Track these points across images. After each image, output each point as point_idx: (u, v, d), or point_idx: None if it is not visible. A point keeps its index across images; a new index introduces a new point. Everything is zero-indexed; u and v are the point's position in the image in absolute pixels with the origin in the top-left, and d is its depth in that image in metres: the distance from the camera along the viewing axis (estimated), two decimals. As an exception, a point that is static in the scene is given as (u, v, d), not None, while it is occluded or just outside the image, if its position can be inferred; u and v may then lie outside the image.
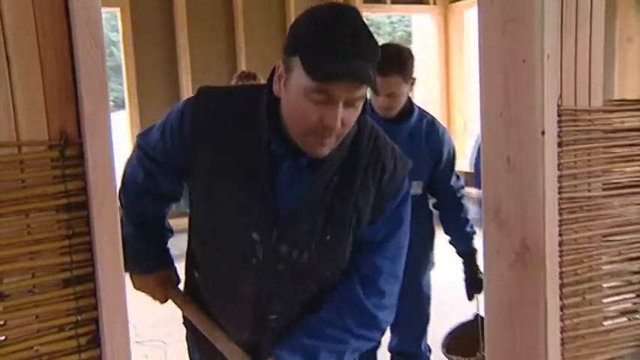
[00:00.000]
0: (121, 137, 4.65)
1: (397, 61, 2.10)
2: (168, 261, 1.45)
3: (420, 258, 2.31)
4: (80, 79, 0.92)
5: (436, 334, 2.50)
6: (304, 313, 1.24)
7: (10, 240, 0.92)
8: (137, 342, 3.55)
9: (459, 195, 2.27)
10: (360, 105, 1.11)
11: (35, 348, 0.94)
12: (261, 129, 1.17)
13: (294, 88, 1.08)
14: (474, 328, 2.25)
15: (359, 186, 1.19)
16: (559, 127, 1.29)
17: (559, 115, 1.28)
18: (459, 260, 2.34)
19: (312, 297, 1.24)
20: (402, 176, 1.25)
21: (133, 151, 1.37)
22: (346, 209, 1.19)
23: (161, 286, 1.43)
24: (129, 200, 1.38)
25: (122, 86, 5.15)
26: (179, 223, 1.56)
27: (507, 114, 1.29)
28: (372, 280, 1.22)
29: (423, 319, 2.42)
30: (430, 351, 2.51)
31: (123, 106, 5.43)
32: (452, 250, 2.35)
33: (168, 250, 1.47)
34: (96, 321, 0.98)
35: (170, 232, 1.48)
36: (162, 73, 5.02)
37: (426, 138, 2.24)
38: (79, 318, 0.97)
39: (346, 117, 1.09)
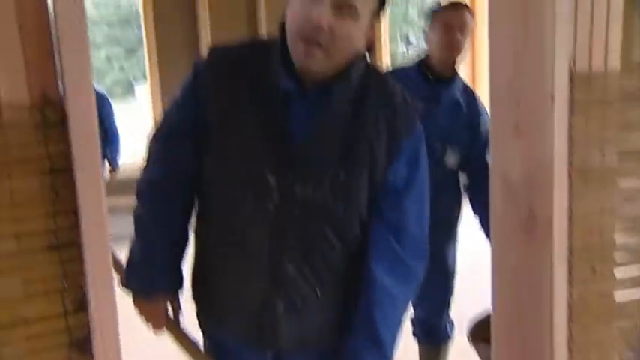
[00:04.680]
0: (143, 108, 4.65)
1: (466, 4, 2.05)
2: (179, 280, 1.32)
3: (446, 231, 2.24)
4: (61, 39, 0.89)
5: (462, 315, 2.44)
6: (322, 273, 1.25)
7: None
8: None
9: None
10: (353, 19, 1.13)
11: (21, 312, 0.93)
12: (272, 66, 1.18)
13: None
14: None
15: (370, 122, 1.21)
16: (571, 91, 1.22)
17: (571, 80, 1.22)
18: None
19: (327, 243, 1.23)
20: (413, 115, 1.26)
21: (148, 156, 1.31)
22: (359, 144, 1.20)
23: (165, 313, 1.32)
24: (150, 206, 1.29)
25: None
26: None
27: (516, 77, 1.23)
28: (400, 225, 1.26)
29: (447, 294, 2.35)
30: (452, 324, 2.45)
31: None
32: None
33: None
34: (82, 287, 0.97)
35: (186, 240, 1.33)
36: (183, 42, 4.99)
37: (467, 105, 2.11)
38: (65, 283, 0.96)
39: (337, 27, 1.11)
